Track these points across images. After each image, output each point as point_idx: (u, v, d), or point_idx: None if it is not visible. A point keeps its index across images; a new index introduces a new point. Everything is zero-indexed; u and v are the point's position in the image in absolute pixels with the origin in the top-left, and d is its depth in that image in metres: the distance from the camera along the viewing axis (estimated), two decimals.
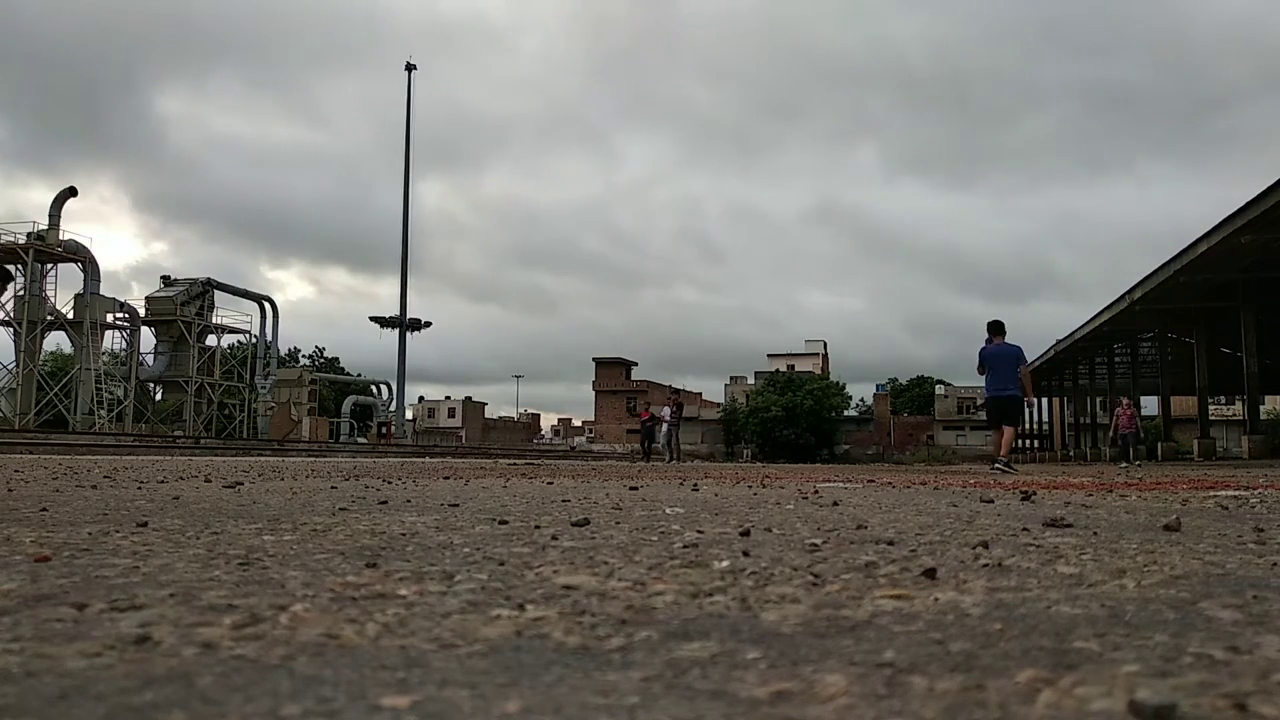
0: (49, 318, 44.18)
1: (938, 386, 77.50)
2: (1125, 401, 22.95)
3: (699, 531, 1.97)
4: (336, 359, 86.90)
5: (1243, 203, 17.45)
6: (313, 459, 15.16)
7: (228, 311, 54.29)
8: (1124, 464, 18.13)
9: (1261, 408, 30.39)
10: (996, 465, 10.94)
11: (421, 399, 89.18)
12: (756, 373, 74.60)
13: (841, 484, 5.14)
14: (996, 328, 11.54)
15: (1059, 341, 34.12)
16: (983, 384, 11.90)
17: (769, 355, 79.33)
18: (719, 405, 72.79)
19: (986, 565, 1.41)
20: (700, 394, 76.76)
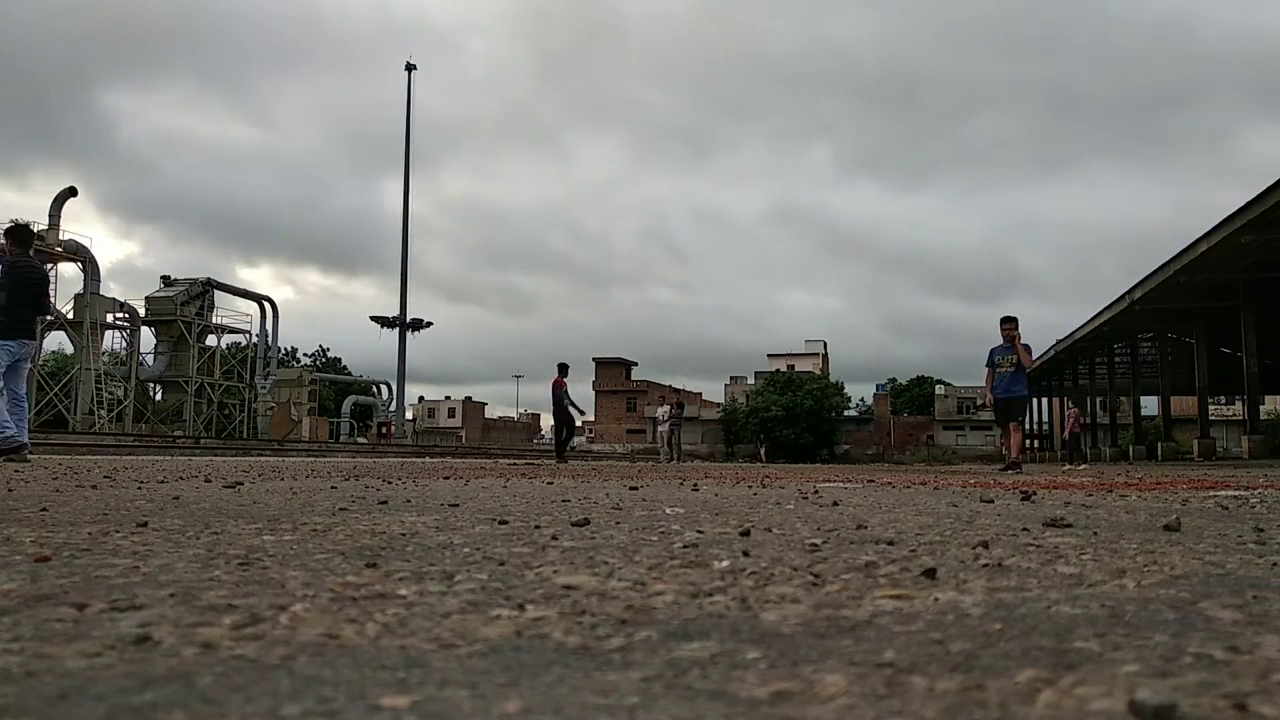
0: (49, 318, 44.15)
1: (938, 386, 77.49)
2: (1072, 408, 24.92)
3: (699, 531, 1.97)
4: (338, 359, 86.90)
5: (1242, 203, 17.44)
6: (313, 459, 15.16)
7: (227, 311, 54.25)
8: (1067, 465, 19.64)
9: (1261, 408, 30.38)
10: (1007, 468, 10.67)
11: (421, 399, 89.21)
12: (756, 373, 74.60)
13: (841, 484, 5.14)
14: (1010, 323, 11.24)
15: (1059, 341, 34.11)
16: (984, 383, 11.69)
17: (769, 355, 79.34)
18: (719, 405, 72.76)
19: (986, 565, 1.41)
20: (700, 394, 76.72)
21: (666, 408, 22.74)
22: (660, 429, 23.38)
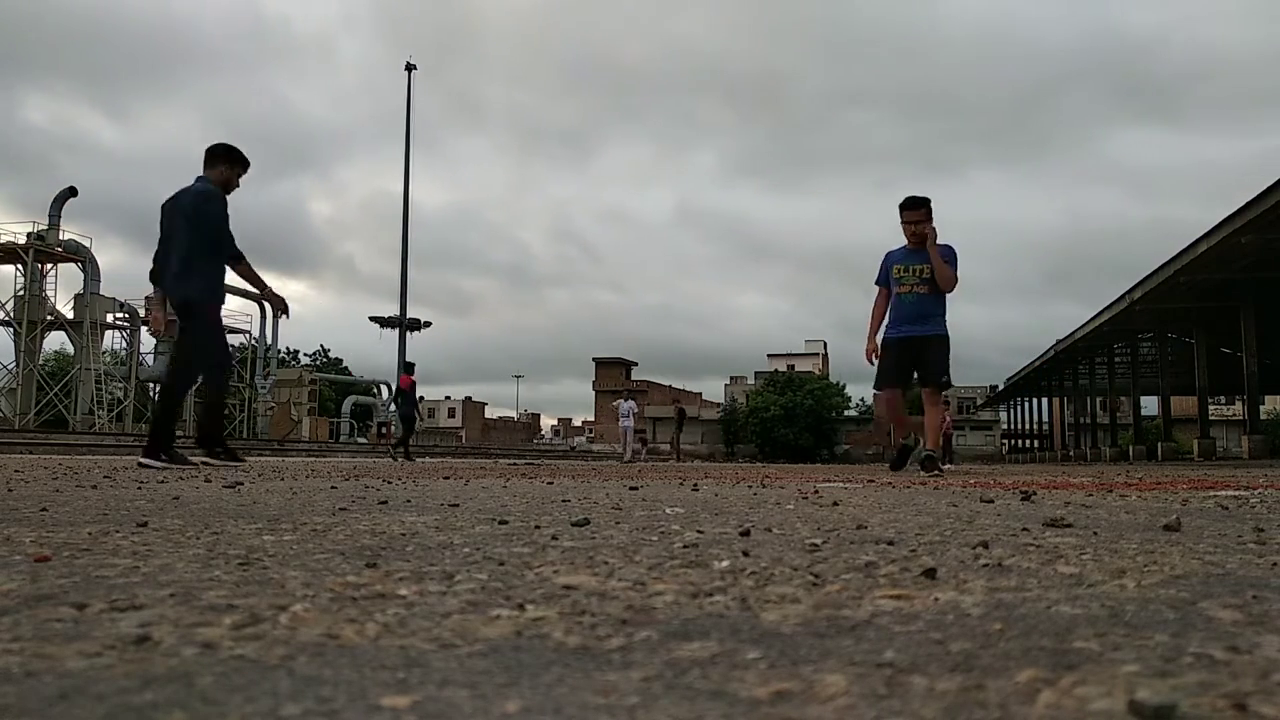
0: (49, 318, 44.15)
1: None
2: (944, 408, 26.33)
3: (699, 531, 1.97)
4: (339, 359, 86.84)
5: (1242, 203, 17.45)
6: (313, 459, 15.15)
7: (227, 311, 54.21)
8: (950, 466, 20.06)
9: (1261, 408, 30.38)
10: (924, 465, 6.62)
11: (421, 399, 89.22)
12: (756, 372, 74.62)
13: (841, 484, 5.14)
14: (914, 208, 6.74)
15: (1059, 341, 34.11)
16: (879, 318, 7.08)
17: (769, 355, 79.39)
18: (719, 405, 72.74)
19: (986, 565, 1.41)
20: (700, 394, 76.70)
21: (631, 403, 22.71)
22: (624, 423, 22.60)
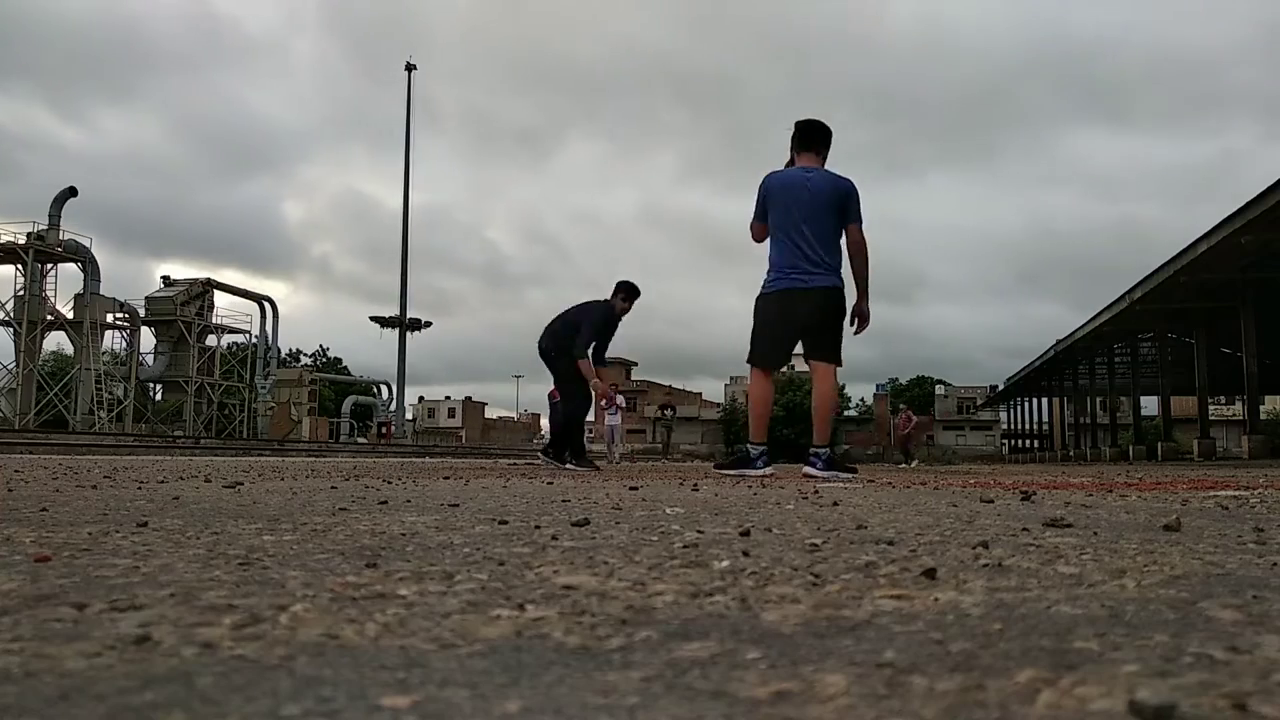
0: (49, 318, 44.16)
1: (938, 386, 77.49)
2: (905, 409, 27.37)
3: (699, 531, 1.97)
4: (339, 359, 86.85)
5: (1242, 203, 17.45)
6: (313, 459, 15.15)
7: (227, 311, 54.28)
8: (903, 465, 21.76)
9: (1261, 408, 30.38)
10: (830, 466, 5.68)
11: (421, 399, 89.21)
12: None
13: (841, 484, 5.14)
14: (809, 136, 5.63)
15: (1059, 341, 34.11)
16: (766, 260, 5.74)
17: None
18: (719, 405, 72.70)
19: (986, 565, 1.41)
20: (700, 394, 76.69)
21: (619, 398, 20.10)
22: (609, 421, 19.98)
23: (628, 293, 9.39)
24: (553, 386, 18.41)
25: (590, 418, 19.18)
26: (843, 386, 69.37)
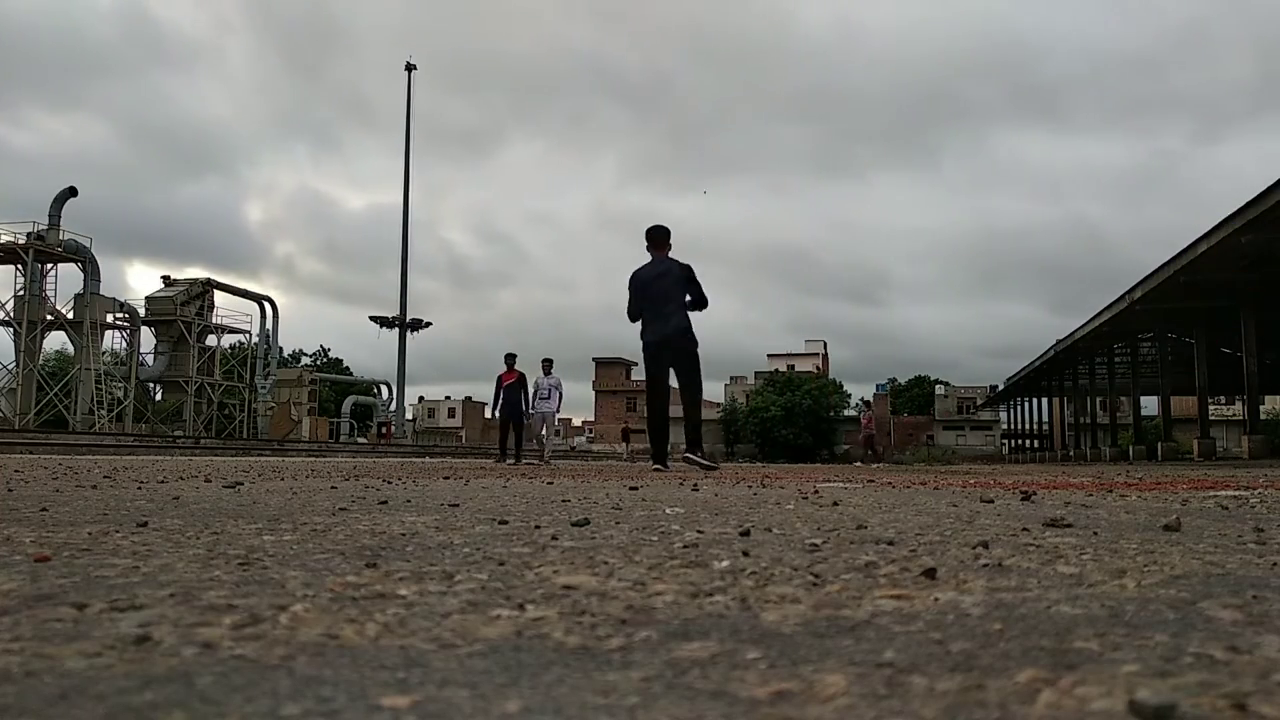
0: (49, 318, 44.16)
1: (938, 387, 77.54)
2: (867, 412, 28.51)
3: (699, 531, 1.97)
4: (339, 359, 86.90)
5: (1242, 203, 17.46)
6: (313, 459, 15.16)
7: (228, 311, 54.24)
8: (861, 464, 22.15)
9: (1261, 408, 30.39)
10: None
11: (421, 399, 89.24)
12: (756, 373, 74.64)
13: (841, 484, 5.14)
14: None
15: (1059, 341, 34.11)
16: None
17: (769, 355, 79.43)
18: (719, 405, 72.74)
19: (986, 565, 1.41)
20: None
21: (553, 379, 16.56)
22: (542, 408, 16.52)
23: (667, 235, 8.58)
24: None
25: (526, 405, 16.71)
26: (841, 386, 69.41)
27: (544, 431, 16.68)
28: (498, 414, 16.71)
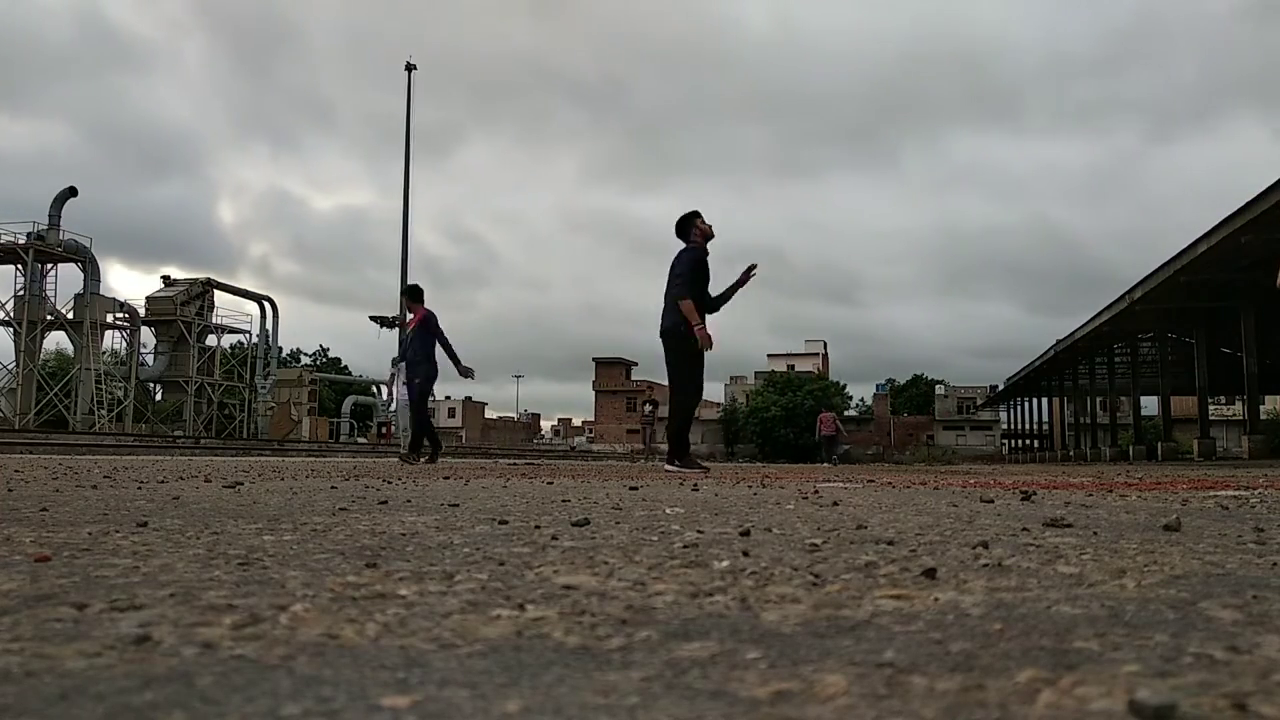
0: (49, 318, 44.15)
1: (937, 386, 77.54)
2: (825, 413, 30.68)
3: (699, 531, 1.97)
4: (339, 359, 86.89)
5: (1242, 203, 17.46)
6: (313, 459, 15.15)
7: (228, 311, 54.18)
8: (826, 463, 23.34)
9: (1261, 408, 30.38)
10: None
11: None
12: (756, 372, 74.64)
13: (841, 484, 5.14)
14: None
15: (1059, 341, 34.10)
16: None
17: (769, 355, 79.44)
18: (719, 405, 72.74)
19: (986, 565, 1.41)
20: None
21: (396, 372, 12.54)
22: (399, 394, 12.75)
23: (690, 219, 8.29)
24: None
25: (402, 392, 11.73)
26: (842, 386, 69.42)
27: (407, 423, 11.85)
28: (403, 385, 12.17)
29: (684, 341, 8.10)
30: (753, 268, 8.34)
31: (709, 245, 8.37)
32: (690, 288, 8.12)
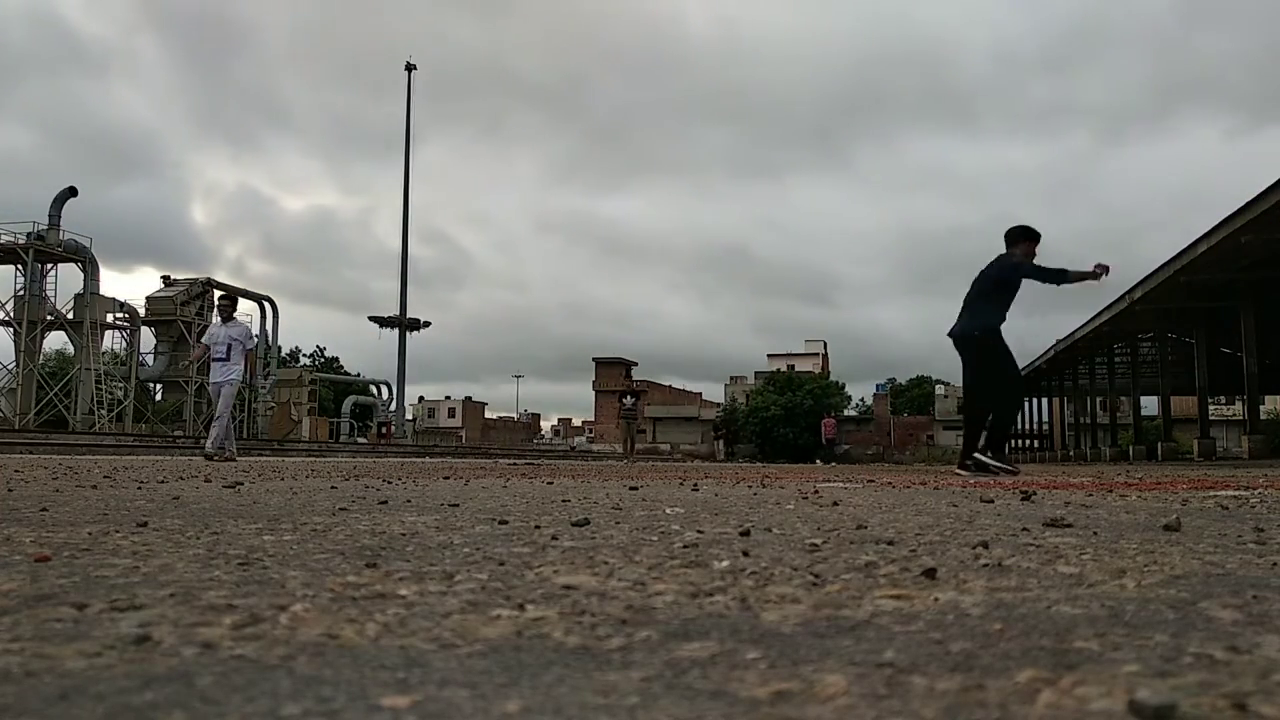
0: (49, 318, 44.15)
1: (938, 386, 77.54)
2: (829, 419, 32.10)
3: (699, 531, 1.97)
4: (336, 359, 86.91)
5: (1242, 203, 17.46)
6: (313, 459, 15.15)
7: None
8: (823, 465, 23.32)
9: (1261, 408, 30.39)
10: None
11: (421, 399, 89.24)
12: (756, 372, 74.65)
13: (841, 484, 5.14)
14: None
15: (1059, 341, 34.10)
16: None
17: (769, 355, 79.46)
18: (719, 405, 72.74)
19: (986, 565, 1.41)
20: (700, 394, 76.76)
21: (226, 328, 10.98)
22: (219, 380, 11.12)
23: (1022, 235, 7.97)
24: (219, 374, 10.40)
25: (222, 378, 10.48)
26: (842, 386, 69.40)
27: (223, 413, 10.87)
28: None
29: (996, 339, 8.09)
30: (1105, 270, 8.00)
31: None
32: (1038, 277, 7.98)
